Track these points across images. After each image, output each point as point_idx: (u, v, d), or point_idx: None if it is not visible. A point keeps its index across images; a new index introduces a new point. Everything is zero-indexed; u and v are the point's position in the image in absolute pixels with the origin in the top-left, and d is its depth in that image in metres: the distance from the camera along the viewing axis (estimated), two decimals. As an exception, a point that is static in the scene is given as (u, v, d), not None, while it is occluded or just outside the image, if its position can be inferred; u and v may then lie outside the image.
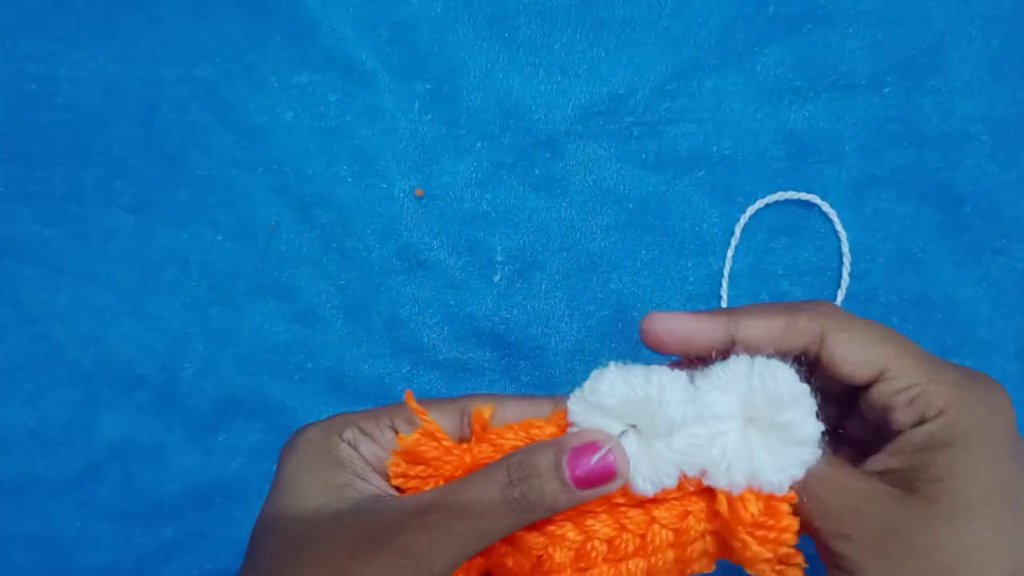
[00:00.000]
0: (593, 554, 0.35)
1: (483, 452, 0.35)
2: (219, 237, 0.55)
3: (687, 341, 0.34)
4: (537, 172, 0.54)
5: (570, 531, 0.35)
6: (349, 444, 0.35)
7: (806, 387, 0.33)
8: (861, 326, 0.33)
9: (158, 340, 0.54)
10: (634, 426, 0.34)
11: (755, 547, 0.34)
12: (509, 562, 0.36)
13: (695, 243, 0.53)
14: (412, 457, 0.35)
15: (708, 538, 0.36)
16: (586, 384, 0.34)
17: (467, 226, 0.54)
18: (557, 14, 0.55)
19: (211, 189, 0.55)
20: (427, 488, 0.35)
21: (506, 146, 0.54)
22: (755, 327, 0.33)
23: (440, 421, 0.36)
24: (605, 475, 0.32)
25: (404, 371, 0.54)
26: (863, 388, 0.33)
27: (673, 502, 0.35)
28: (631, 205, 0.54)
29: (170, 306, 0.54)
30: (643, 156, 0.54)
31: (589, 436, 0.33)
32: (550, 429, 0.35)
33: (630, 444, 0.33)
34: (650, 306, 0.53)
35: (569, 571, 0.36)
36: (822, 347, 0.33)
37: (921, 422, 0.32)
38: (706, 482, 0.34)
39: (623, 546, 0.35)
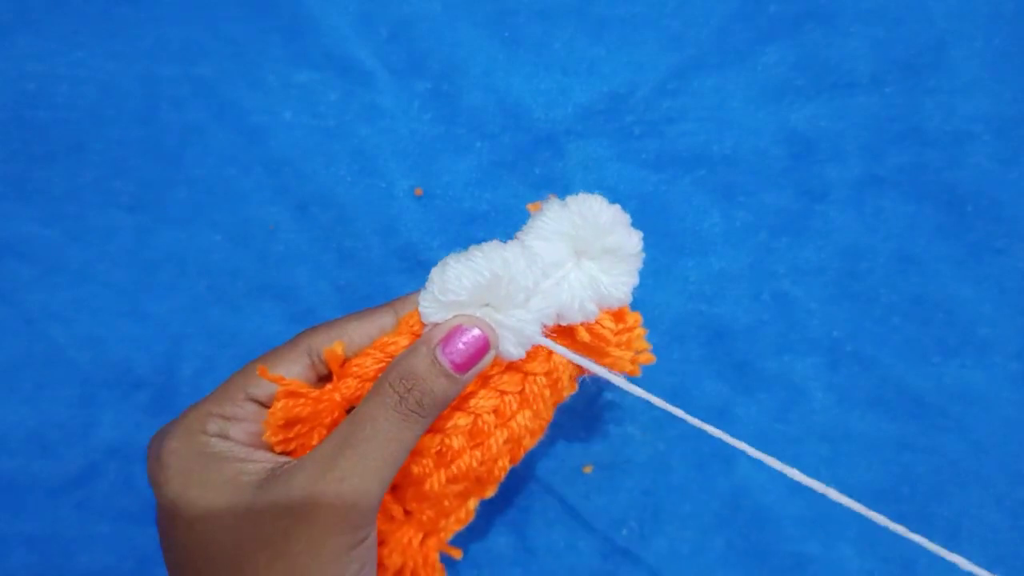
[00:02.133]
0: (485, 428, 0.37)
1: (351, 387, 0.36)
2: (218, 237, 0.54)
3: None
4: (537, 171, 0.54)
5: (460, 418, 0.37)
6: (219, 436, 0.34)
7: (618, 206, 0.37)
8: None
9: (157, 340, 0.54)
10: (487, 305, 0.35)
11: (618, 352, 0.38)
12: (414, 469, 0.37)
13: (695, 243, 0.53)
14: (288, 422, 0.35)
15: (570, 367, 0.39)
16: (431, 282, 0.35)
17: (467, 226, 0.54)
18: (557, 12, 0.55)
19: (210, 188, 0.55)
20: (314, 442, 0.36)
21: (506, 145, 0.54)
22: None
23: (290, 371, 0.36)
24: (481, 349, 0.34)
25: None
26: None
27: (540, 353, 0.37)
28: (632, 204, 0.54)
29: (169, 306, 0.54)
30: (644, 155, 0.54)
31: (451, 323, 0.34)
32: (405, 340, 0.36)
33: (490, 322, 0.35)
34: (651, 305, 0.53)
35: (468, 451, 0.37)
36: None
37: None
38: (564, 323, 0.37)
39: (507, 408, 0.37)
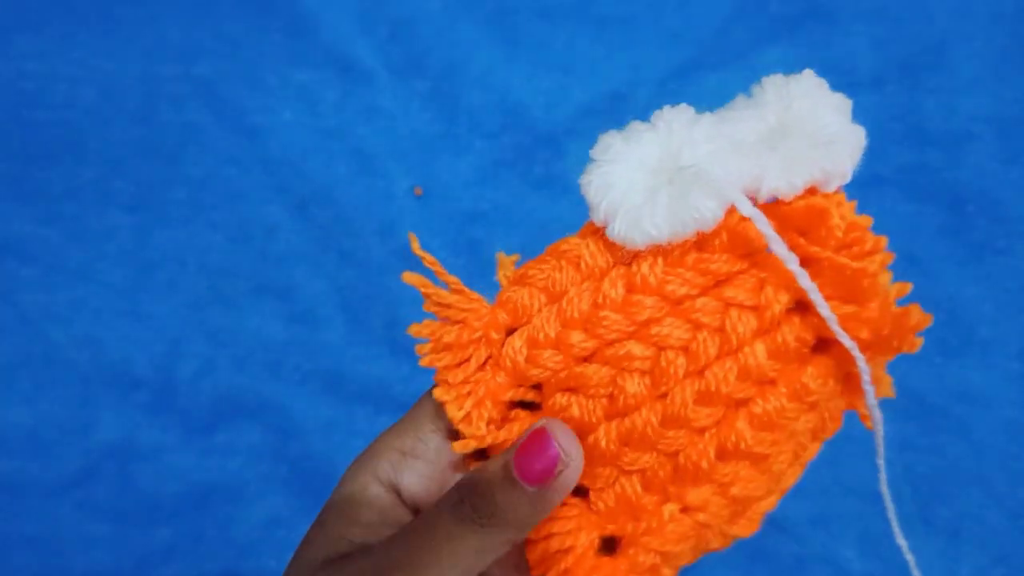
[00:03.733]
0: (671, 370, 0.29)
1: (511, 295, 0.30)
2: (217, 236, 0.54)
3: None
4: (537, 171, 0.54)
5: (635, 347, 0.29)
6: (387, 483, 0.32)
7: (808, 69, 0.29)
8: None
9: (156, 340, 0.54)
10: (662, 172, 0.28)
11: (855, 264, 0.27)
12: (575, 412, 0.30)
13: (696, 242, 0.53)
14: (435, 323, 0.30)
15: (796, 320, 0.29)
16: (593, 151, 0.28)
17: (467, 225, 0.54)
18: (557, 12, 0.55)
19: (209, 188, 0.54)
20: (455, 359, 0.30)
21: (506, 145, 0.54)
22: None
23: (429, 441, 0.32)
24: (551, 464, 0.28)
25: (403, 371, 0.54)
26: None
27: (743, 275, 0.28)
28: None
29: (168, 306, 0.54)
30: (644, 155, 0.54)
31: (533, 428, 0.29)
32: (574, 239, 0.29)
33: (661, 191, 0.28)
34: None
35: (649, 403, 0.30)
36: None
37: None
38: (762, 195, 0.27)
39: (702, 349, 0.29)
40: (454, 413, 0.30)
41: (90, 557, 0.52)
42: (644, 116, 0.57)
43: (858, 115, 0.58)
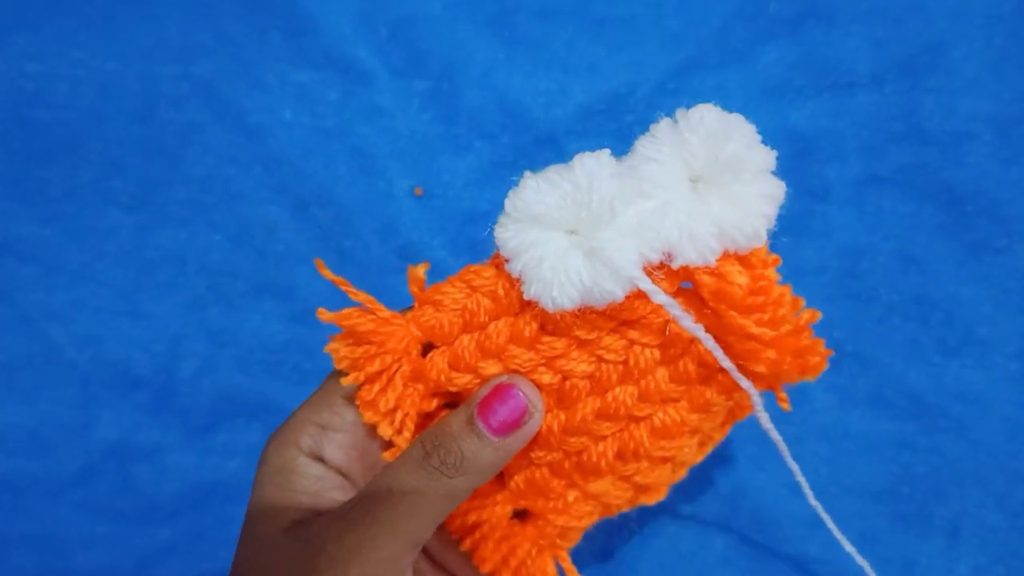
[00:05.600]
0: (574, 393, 0.33)
1: (426, 315, 0.32)
2: (217, 236, 0.54)
3: None
4: (537, 171, 0.54)
5: (544, 375, 0.32)
6: (309, 453, 0.33)
7: (737, 114, 0.29)
8: None
9: (156, 340, 0.54)
10: (573, 232, 0.29)
11: (755, 329, 0.29)
12: None
13: (696, 242, 0.53)
14: (352, 338, 0.32)
15: (698, 350, 0.32)
16: (508, 203, 0.29)
17: (467, 225, 0.54)
18: (557, 12, 0.55)
19: (209, 188, 0.54)
20: (373, 367, 0.32)
21: (506, 145, 0.54)
22: None
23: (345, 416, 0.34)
24: (519, 414, 0.31)
25: (403, 371, 0.54)
26: None
27: (649, 317, 0.31)
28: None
29: (168, 306, 0.54)
30: (643, 155, 0.54)
31: (493, 384, 0.32)
32: (487, 272, 0.32)
33: (576, 256, 0.28)
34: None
35: (554, 410, 0.33)
36: None
37: None
38: (675, 264, 0.29)
39: (606, 376, 0.32)
40: (386, 431, 0.33)
41: (90, 557, 0.52)
42: (644, 116, 0.57)
43: (857, 115, 0.58)
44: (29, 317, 0.54)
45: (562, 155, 0.54)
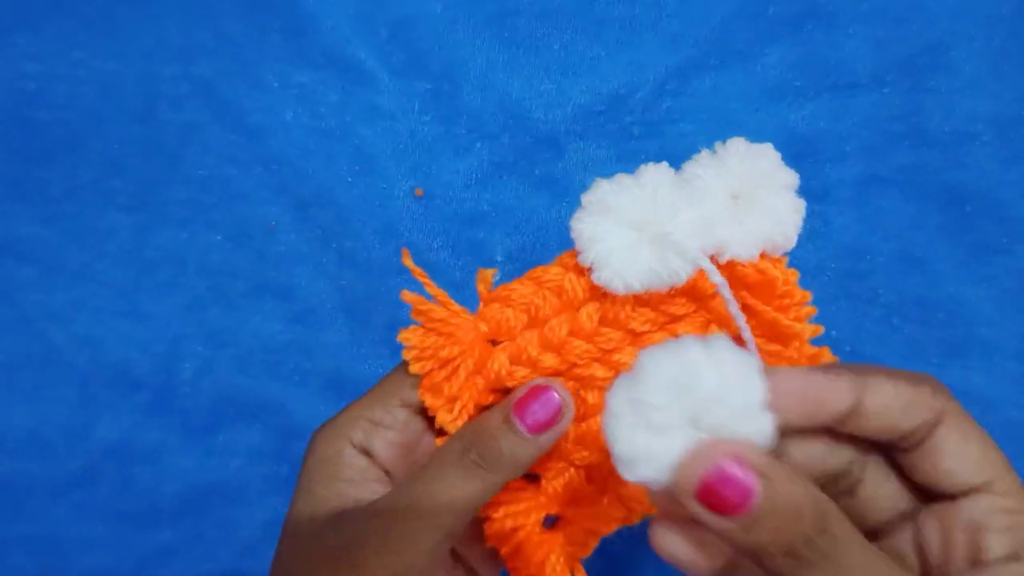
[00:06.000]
0: None
1: (493, 312, 0.34)
2: (217, 237, 0.54)
3: (816, 404, 0.27)
4: (537, 172, 0.54)
5: (598, 370, 0.35)
6: (360, 447, 0.35)
7: (768, 143, 0.35)
8: (971, 420, 0.27)
9: (156, 340, 0.54)
10: (639, 230, 0.33)
11: (785, 320, 0.33)
12: None
13: (696, 243, 0.53)
14: (423, 329, 0.34)
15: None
16: (584, 198, 0.33)
17: (467, 226, 0.54)
18: (557, 13, 0.55)
19: (209, 188, 0.54)
20: (443, 353, 0.34)
21: (506, 146, 0.54)
22: (883, 392, 0.27)
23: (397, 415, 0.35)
24: (555, 413, 0.32)
25: (403, 372, 0.54)
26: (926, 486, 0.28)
27: (693, 316, 0.35)
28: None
29: (168, 306, 0.54)
30: (643, 156, 0.54)
31: (529, 384, 0.33)
32: (555, 269, 0.34)
33: (643, 246, 0.32)
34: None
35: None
36: (932, 433, 0.27)
37: (1015, 558, 0.25)
38: (723, 258, 0.33)
39: None
40: (444, 417, 0.34)
41: (90, 558, 0.52)
42: (644, 117, 0.57)
43: (857, 115, 0.58)
44: (29, 317, 0.54)
45: (562, 156, 0.54)
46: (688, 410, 0.24)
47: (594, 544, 0.39)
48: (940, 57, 0.52)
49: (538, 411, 0.32)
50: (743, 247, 0.33)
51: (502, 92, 0.54)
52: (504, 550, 0.37)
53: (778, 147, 0.54)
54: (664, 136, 0.54)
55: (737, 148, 0.34)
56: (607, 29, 0.54)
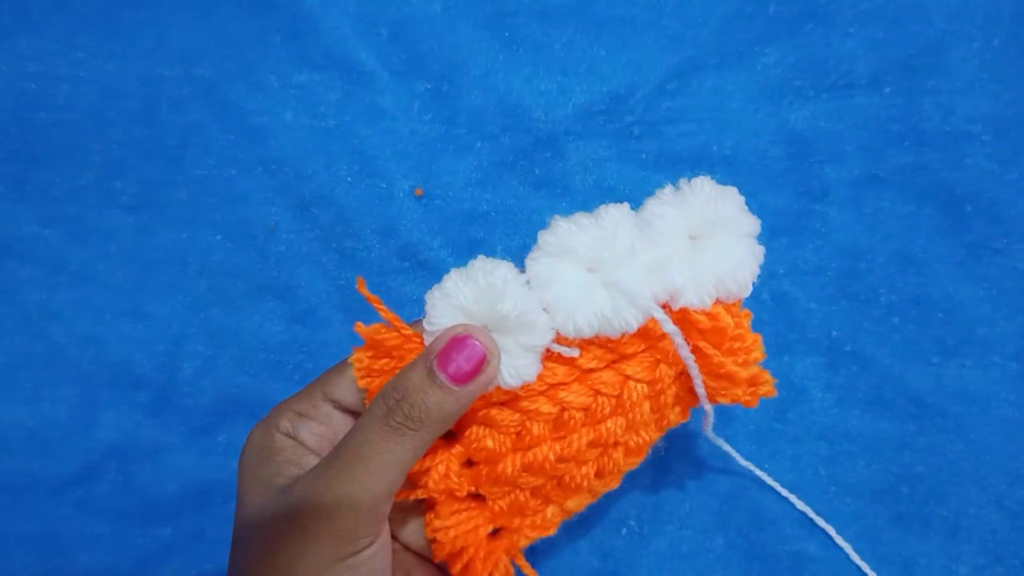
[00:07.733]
0: (571, 423, 0.36)
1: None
2: (218, 237, 0.54)
3: None
4: (537, 172, 0.54)
5: (543, 404, 0.35)
6: (287, 434, 0.36)
7: (732, 187, 0.35)
8: None
9: (157, 340, 0.54)
10: (593, 270, 0.34)
11: (732, 366, 0.35)
12: (489, 443, 0.36)
13: (695, 243, 0.53)
14: (375, 350, 0.36)
15: (677, 384, 0.37)
16: (541, 239, 0.34)
17: (467, 226, 0.54)
18: (557, 14, 0.55)
19: (210, 189, 0.55)
20: (388, 369, 0.36)
21: (506, 146, 0.54)
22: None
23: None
24: (479, 362, 0.32)
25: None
26: None
27: (642, 356, 0.35)
28: (631, 205, 0.54)
29: (169, 306, 0.54)
30: (643, 156, 0.54)
31: (449, 334, 0.33)
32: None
33: (598, 289, 0.33)
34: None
35: (549, 441, 0.36)
36: None
37: None
38: (676, 305, 0.34)
39: (600, 409, 0.36)
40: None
41: (91, 556, 0.52)
42: (644, 117, 0.58)
43: (856, 115, 0.58)
44: (30, 317, 0.54)
45: (562, 156, 0.54)
46: (486, 315, 0.32)
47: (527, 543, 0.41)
48: (939, 58, 0.52)
49: (461, 361, 0.32)
50: (696, 295, 0.34)
51: (502, 92, 0.54)
52: (457, 568, 0.38)
53: (777, 147, 0.54)
54: (664, 136, 0.54)
55: (702, 188, 0.34)
56: (607, 29, 0.54)
